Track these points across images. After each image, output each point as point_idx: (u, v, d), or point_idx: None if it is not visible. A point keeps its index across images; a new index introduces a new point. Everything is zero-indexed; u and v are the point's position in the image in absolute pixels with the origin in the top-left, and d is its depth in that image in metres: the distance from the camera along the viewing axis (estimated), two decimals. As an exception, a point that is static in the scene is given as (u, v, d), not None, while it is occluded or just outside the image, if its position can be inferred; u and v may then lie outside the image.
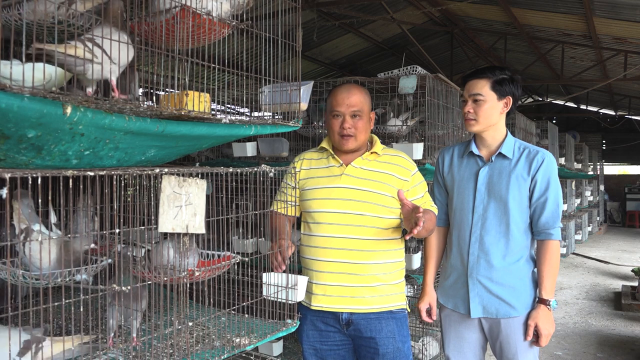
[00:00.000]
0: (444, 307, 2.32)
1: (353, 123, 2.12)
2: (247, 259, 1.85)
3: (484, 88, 2.15)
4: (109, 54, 1.39)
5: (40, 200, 1.34)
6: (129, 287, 1.49)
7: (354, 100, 2.12)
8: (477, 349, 2.26)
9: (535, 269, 2.20)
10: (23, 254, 1.45)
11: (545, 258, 2.14)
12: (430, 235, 2.32)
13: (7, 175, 1.16)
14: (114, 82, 1.44)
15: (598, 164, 14.53)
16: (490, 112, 2.16)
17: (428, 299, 2.34)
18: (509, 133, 2.24)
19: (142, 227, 1.56)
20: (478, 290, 2.18)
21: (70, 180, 1.29)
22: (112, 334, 1.69)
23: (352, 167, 2.15)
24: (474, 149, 2.24)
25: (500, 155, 2.19)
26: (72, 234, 1.58)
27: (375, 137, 2.24)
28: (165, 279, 1.63)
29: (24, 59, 1.24)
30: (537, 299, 2.16)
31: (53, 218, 1.61)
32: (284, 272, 1.98)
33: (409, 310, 2.27)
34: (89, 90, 1.43)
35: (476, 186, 2.20)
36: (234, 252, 1.89)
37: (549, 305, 2.11)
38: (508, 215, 2.14)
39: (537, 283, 2.19)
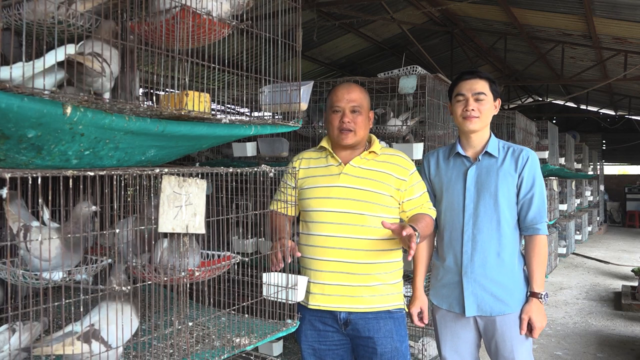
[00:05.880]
0: (438, 308, 2.32)
1: (352, 118, 2.13)
2: (247, 259, 1.85)
3: (485, 87, 2.21)
4: (111, 70, 1.40)
5: (40, 200, 1.34)
6: (128, 287, 1.49)
7: (353, 95, 2.15)
8: (472, 347, 2.28)
9: (525, 266, 2.24)
10: (25, 251, 1.44)
11: (534, 252, 2.18)
12: None
13: (7, 175, 1.16)
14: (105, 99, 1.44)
15: (598, 164, 14.52)
16: (490, 111, 2.24)
17: (419, 302, 2.34)
18: (491, 133, 2.30)
19: (142, 227, 1.56)
20: (473, 289, 2.19)
21: (70, 180, 1.29)
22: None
23: (351, 166, 2.15)
24: (460, 150, 2.27)
25: (487, 154, 2.23)
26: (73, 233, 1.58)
27: (374, 137, 2.25)
28: (165, 279, 1.63)
29: (24, 58, 1.25)
30: (529, 293, 2.20)
31: (46, 215, 1.60)
32: (283, 271, 1.98)
33: (407, 310, 2.27)
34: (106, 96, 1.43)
35: (465, 185, 2.23)
36: (234, 252, 1.89)
37: (541, 298, 2.15)
38: (498, 212, 2.17)
39: (527, 279, 2.22)
